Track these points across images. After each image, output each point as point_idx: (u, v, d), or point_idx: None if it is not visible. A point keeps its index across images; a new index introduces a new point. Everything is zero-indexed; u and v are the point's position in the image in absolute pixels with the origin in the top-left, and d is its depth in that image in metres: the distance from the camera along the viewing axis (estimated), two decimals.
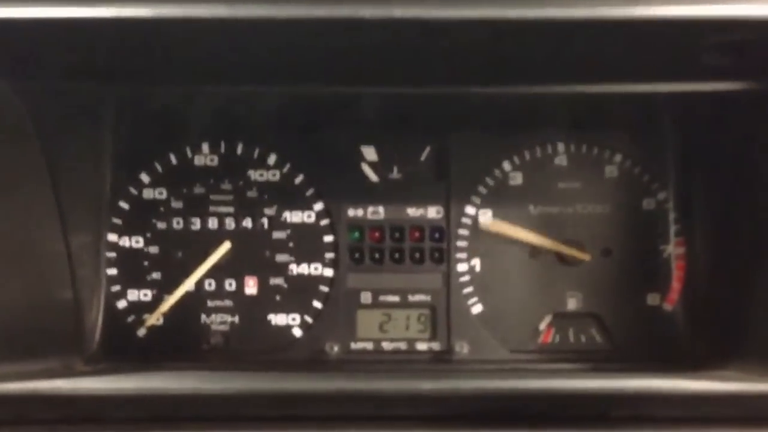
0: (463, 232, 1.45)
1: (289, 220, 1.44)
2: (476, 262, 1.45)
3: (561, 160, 1.47)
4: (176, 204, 1.44)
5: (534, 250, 1.45)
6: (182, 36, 1.06)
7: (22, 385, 1.07)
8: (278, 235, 1.44)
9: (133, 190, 1.44)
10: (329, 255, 1.44)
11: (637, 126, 1.46)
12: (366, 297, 1.44)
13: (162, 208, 1.44)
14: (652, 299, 1.45)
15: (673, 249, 1.45)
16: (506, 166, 1.46)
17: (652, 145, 1.46)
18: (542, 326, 1.44)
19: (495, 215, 1.45)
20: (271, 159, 1.45)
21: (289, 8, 0.98)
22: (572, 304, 1.44)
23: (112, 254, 1.43)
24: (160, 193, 1.44)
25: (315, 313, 1.43)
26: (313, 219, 1.45)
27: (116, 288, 1.42)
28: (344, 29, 1.03)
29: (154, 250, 1.43)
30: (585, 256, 1.44)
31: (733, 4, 0.98)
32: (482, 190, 1.46)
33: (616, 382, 1.13)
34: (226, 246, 1.42)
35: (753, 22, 0.99)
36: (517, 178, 1.47)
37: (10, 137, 1.20)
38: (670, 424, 1.08)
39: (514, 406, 1.14)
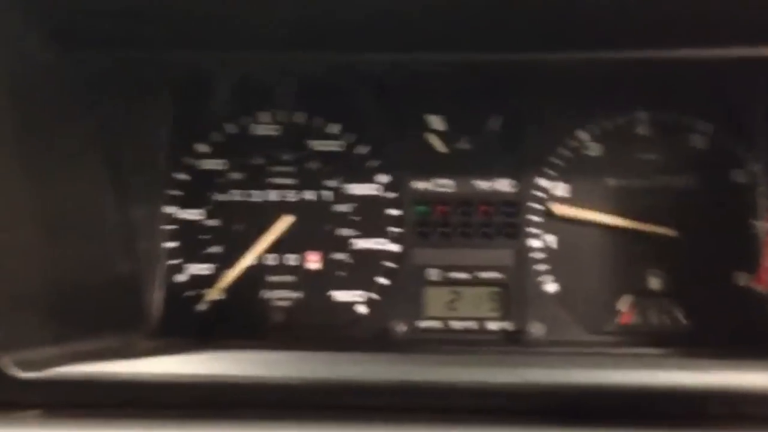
0: (536, 206, 1.37)
1: (352, 192, 1.39)
2: (551, 238, 1.37)
3: (643, 130, 1.38)
4: (235, 175, 1.39)
5: (613, 225, 1.36)
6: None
7: (84, 367, 1.03)
8: (341, 208, 1.38)
9: (191, 161, 1.39)
10: (395, 229, 1.38)
11: (727, 92, 1.37)
12: (434, 274, 1.37)
13: (221, 180, 1.39)
14: (740, 279, 1.35)
15: (764, 225, 1.35)
16: (582, 135, 1.38)
17: (742, 112, 1.37)
18: (622, 306, 1.35)
19: (570, 189, 1.37)
20: (334, 129, 1.40)
21: None
22: (654, 283, 1.35)
23: (170, 227, 1.38)
24: (219, 164, 1.39)
25: (380, 289, 1.37)
26: (377, 192, 1.39)
27: (175, 262, 1.38)
28: None
29: (213, 222, 1.38)
30: (667, 232, 1.34)
31: None
32: (556, 161, 1.38)
33: (711, 377, 1.03)
34: (288, 219, 1.37)
35: None
36: (594, 149, 1.38)
37: (70, 109, 1.16)
38: None
39: (601, 402, 1.05)
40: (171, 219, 1.38)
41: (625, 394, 1.03)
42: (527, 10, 1.09)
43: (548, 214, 1.37)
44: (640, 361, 1.22)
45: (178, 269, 1.38)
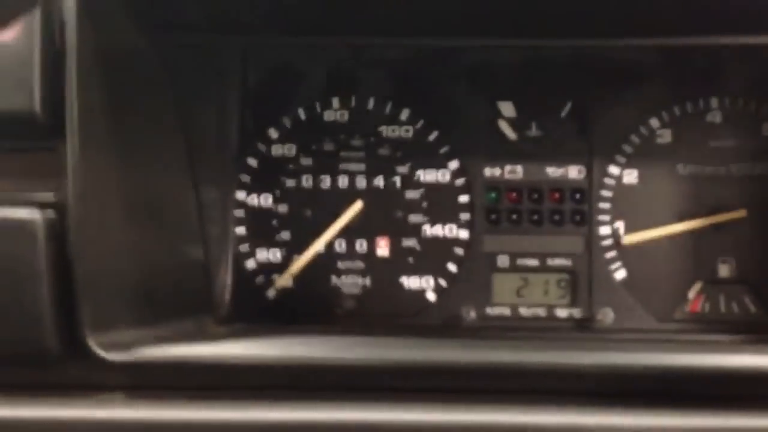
0: (606, 193, 1.37)
1: (422, 179, 1.38)
2: (620, 225, 1.36)
3: (714, 117, 1.37)
4: (305, 161, 1.39)
5: (682, 214, 1.35)
6: None
7: (166, 350, 1.04)
8: (411, 194, 1.38)
9: (262, 147, 1.39)
10: (464, 216, 1.38)
11: None
12: (503, 260, 1.37)
13: (291, 165, 1.39)
14: None
15: None
16: (653, 122, 1.37)
17: None
18: (691, 294, 1.35)
19: (641, 175, 1.36)
20: (404, 114, 1.39)
21: None
22: (724, 270, 1.35)
23: (240, 212, 1.39)
24: (289, 150, 1.39)
25: (449, 276, 1.38)
26: (447, 178, 1.38)
27: (245, 247, 1.38)
28: None
29: (283, 208, 1.38)
30: (738, 218, 1.34)
31: None
32: (627, 148, 1.37)
33: None
34: (357, 205, 1.37)
35: None
36: (665, 136, 1.37)
37: (146, 90, 1.17)
38: None
39: (671, 385, 1.06)
40: (241, 204, 1.38)
41: (696, 376, 1.04)
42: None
43: (618, 201, 1.36)
44: (711, 346, 1.22)
45: (248, 255, 1.38)
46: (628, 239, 1.36)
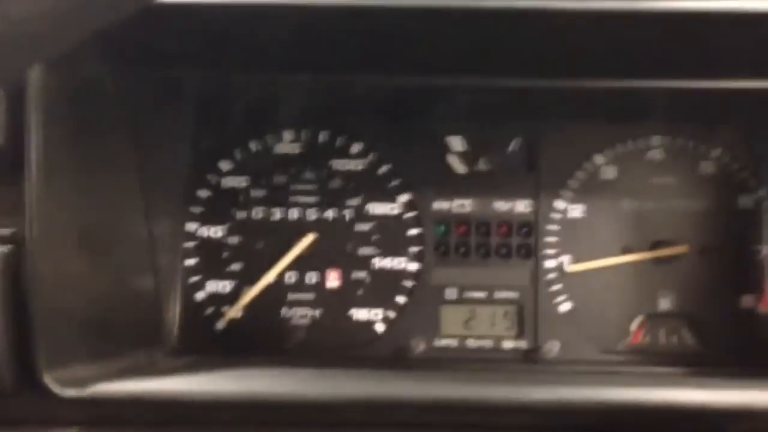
0: (552, 227, 1.40)
1: (373, 212, 1.40)
2: (565, 259, 1.40)
3: (655, 155, 1.41)
4: (257, 193, 1.40)
5: (626, 248, 1.39)
6: (275, 24, 1.02)
7: (119, 385, 1.04)
8: (362, 227, 1.40)
9: (213, 178, 1.40)
10: (414, 249, 1.40)
11: (736, 120, 1.40)
12: (451, 293, 1.40)
13: (242, 198, 1.40)
14: (747, 301, 1.39)
15: None
16: (598, 159, 1.41)
17: (751, 141, 1.40)
18: (633, 327, 1.39)
19: (586, 209, 1.40)
20: (355, 148, 1.41)
21: None
22: (664, 304, 1.39)
23: (190, 244, 1.39)
24: (241, 182, 1.40)
25: (398, 308, 1.39)
26: (397, 211, 1.40)
27: (195, 279, 1.39)
28: (459, 19, 0.99)
29: (233, 240, 1.39)
30: (677, 253, 1.38)
31: None
32: (573, 183, 1.41)
33: (711, 394, 1.07)
34: (308, 238, 1.38)
35: None
36: (609, 172, 1.41)
37: (104, 124, 1.17)
38: None
39: (615, 419, 1.08)
40: (192, 236, 1.39)
41: (637, 411, 1.07)
42: (548, 40, 1.11)
43: (564, 235, 1.40)
44: (651, 380, 1.26)
45: (198, 287, 1.39)
46: (572, 268, 1.39)
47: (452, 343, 1.39)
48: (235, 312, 1.38)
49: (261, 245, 1.38)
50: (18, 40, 0.49)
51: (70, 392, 1.01)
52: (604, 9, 0.98)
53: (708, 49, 1.15)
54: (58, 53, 0.50)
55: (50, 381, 1.00)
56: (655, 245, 1.39)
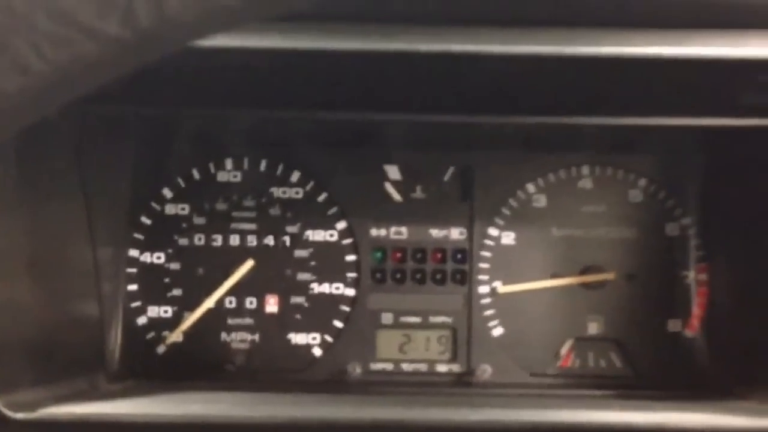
0: (485, 253, 1.45)
1: (311, 238, 1.44)
2: (498, 284, 1.44)
3: (585, 183, 1.46)
4: (198, 220, 1.43)
5: (556, 274, 1.44)
6: (223, 66, 1.05)
7: (68, 408, 1.07)
8: (300, 253, 1.43)
9: (156, 206, 1.43)
10: (351, 275, 1.44)
11: (662, 152, 1.46)
12: (387, 318, 1.44)
13: (184, 224, 1.43)
14: (673, 325, 1.44)
15: (694, 275, 1.45)
16: (530, 188, 1.46)
17: (676, 171, 1.46)
18: (562, 350, 1.43)
19: (518, 237, 1.45)
20: (295, 176, 1.45)
21: (338, 42, 0.98)
22: (593, 328, 1.44)
23: (132, 270, 1.42)
24: (183, 209, 1.43)
25: (335, 332, 1.43)
26: (335, 238, 1.44)
27: (136, 304, 1.42)
28: (395, 61, 1.03)
29: (175, 266, 1.42)
30: (606, 279, 1.43)
31: None
32: (505, 211, 1.45)
33: (643, 416, 1.12)
34: (248, 264, 1.41)
35: None
36: (540, 201, 1.46)
37: (52, 155, 1.20)
38: None
39: None
40: (135, 262, 1.42)
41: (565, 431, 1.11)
42: (479, 80, 1.16)
43: (496, 262, 1.44)
44: (579, 402, 1.31)
45: (140, 312, 1.42)
46: (503, 289, 1.43)
47: (388, 366, 1.43)
48: (175, 336, 1.41)
49: (201, 271, 1.42)
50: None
51: (20, 415, 1.03)
52: (531, 53, 1.01)
53: (630, 90, 1.20)
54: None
55: (2, 405, 1.02)
56: (584, 271, 1.44)
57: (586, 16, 1.00)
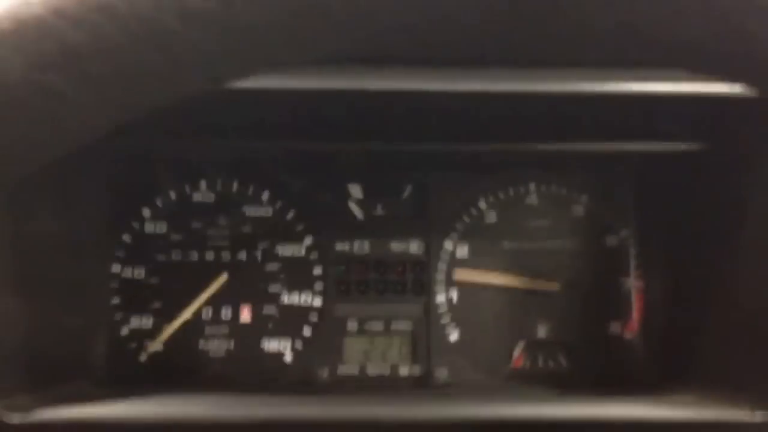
0: (442, 265, 1.57)
1: (281, 253, 1.54)
2: (453, 294, 1.56)
3: (532, 200, 1.59)
4: (176, 237, 1.53)
5: (507, 283, 1.56)
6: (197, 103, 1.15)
7: (58, 412, 1.16)
8: (271, 267, 1.54)
9: (135, 224, 1.53)
10: (318, 286, 1.55)
11: (600, 171, 1.59)
12: (352, 325, 1.55)
13: (162, 241, 1.53)
14: (614, 328, 1.57)
15: (633, 282, 1.57)
16: (482, 204, 1.58)
17: (614, 188, 1.59)
18: (514, 352, 1.56)
19: (471, 250, 1.57)
20: (265, 196, 1.55)
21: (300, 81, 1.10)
22: (542, 332, 1.56)
23: (115, 284, 1.52)
24: (161, 227, 1.53)
25: (305, 340, 1.54)
26: (303, 253, 1.55)
27: (119, 316, 1.51)
28: (344, 98, 1.15)
29: (154, 280, 1.52)
30: (552, 287, 1.56)
31: (686, 82, 1.12)
32: (460, 226, 1.57)
33: (582, 410, 1.24)
34: (223, 277, 1.52)
35: (702, 97, 1.14)
36: (491, 216, 1.58)
37: (35, 178, 1.28)
38: None
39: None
40: (116, 277, 1.52)
41: (513, 425, 1.23)
42: (433, 114, 1.28)
43: (451, 275, 1.56)
44: (528, 398, 1.42)
45: (122, 323, 1.51)
46: (459, 276, 1.56)
47: (354, 370, 1.54)
48: (156, 346, 1.50)
49: (179, 284, 1.52)
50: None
51: (16, 418, 1.12)
52: (475, 91, 1.14)
53: (564, 120, 1.33)
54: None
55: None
56: (532, 281, 1.56)
57: (525, 56, 1.13)
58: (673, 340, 1.49)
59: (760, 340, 1.22)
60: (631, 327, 1.57)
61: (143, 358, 1.51)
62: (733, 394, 1.21)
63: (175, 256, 1.53)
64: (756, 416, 1.15)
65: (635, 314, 1.57)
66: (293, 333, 1.54)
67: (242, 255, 1.54)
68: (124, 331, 1.52)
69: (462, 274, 1.56)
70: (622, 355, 1.57)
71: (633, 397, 1.31)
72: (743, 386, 1.21)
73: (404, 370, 1.55)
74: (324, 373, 1.52)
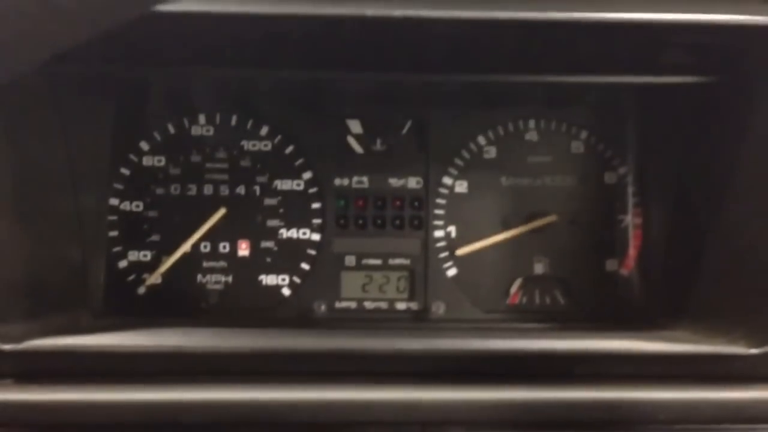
0: (440, 201, 1.57)
1: (279, 187, 1.55)
2: (452, 229, 1.57)
3: (532, 136, 1.58)
4: (174, 171, 1.53)
5: (505, 219, 1.56)
6: (194, 29, 1.14)
7: (38, 342, 1.16)
8: (269, 201, 1.54)
9: (134, 158, 1.53)
10: (317, 221, 1.55)
11: (601, 106, 1.58)
12: (350, 260, 1.55)
13: (161, 175, 1.53)
14: (611, 265, 1.58)
15: (631, 219, 1.58)
16: (481, 140, 1.58)
17: (614, 124, 1.58)
18: (511, 288, 1.56)
19: (470, 185, 1.57)
20: (264, 130, 1.55)
21: (297, 6, 1.08)
22: (539, 268, 1.57)
23: (113, 217, 1.52)
24: (159, 161, 1.53)
25: (303, 274, 1.55)
26: (302, 187, 1.55)
27: (118, 249, 1.52)
28: (343, 25, 1.13)
29: (153, 213, 1.52)
30: (551, 224, 1.56)
31: (693, 11, 1.11)
32: (459, 162, 1.57)
33: (577, 343, 1.25)
34: (221, 211, 1.52)
35: (709, 26, 1.12)
36: (491, 152, 1.58)
37: (32, 111, 1.29)
38: (626, 381, 1.19)
39: (486, 365, 1.24)
40: (115, 210, 1.52)
41: (510, 357, 1.24)
42: (429, 42, 1.26)
43: (451, 208, 1.57)
44: (522, 332, 1.44)
45: (121, 256, 1.52)
46: (461, 252, 1.56)
47: (351, 305, 1.55)
48: (154, 278, 1.51)
49: (178, 218, 1.52)
50: (23, 38, 0.54)
51: (8, 347, 1.13)
52: (477, 18, 1.11)
53: (569, 51, 1.31)
54: (60, 51, 0.56)
55: None
56: (530, 217, 1.56)
57: None
58: (669, 277, 1.50)
59: (754, 277, 1.23)
60: (627, 264, 1.58)
61: (141, 290, 1.53)
62: (728, 328, 1.22)
63: (174, 189, 1.53)
64: (750, 350, 1.16)
65: (632, 251, 1.58)
66: (291, 267, 1.55)
67: (241, 189, 1.54)
68: (123, 264, 1.53)
69: (464, 251, 1.56)
70: (618, 291, 1.58)
71: (628, 332, 1.33)
72: (738, 321, 1.22)
73: (401, 305, 1.56)
74: (322, 307, 1.53)
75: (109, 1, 0.51)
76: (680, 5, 1.11)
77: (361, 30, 1.16)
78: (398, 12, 1.09)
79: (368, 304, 1.55)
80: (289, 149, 1.55)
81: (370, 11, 1.09)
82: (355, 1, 1.09)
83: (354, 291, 1.55)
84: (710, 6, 1.09)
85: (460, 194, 1.57)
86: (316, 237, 1.55)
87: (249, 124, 1.55)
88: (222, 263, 1.53)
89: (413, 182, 1.57)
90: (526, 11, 1.11)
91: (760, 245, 1.21)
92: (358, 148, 1.57)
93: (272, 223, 1.54)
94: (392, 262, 1.56)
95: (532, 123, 1.58)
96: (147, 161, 1.53)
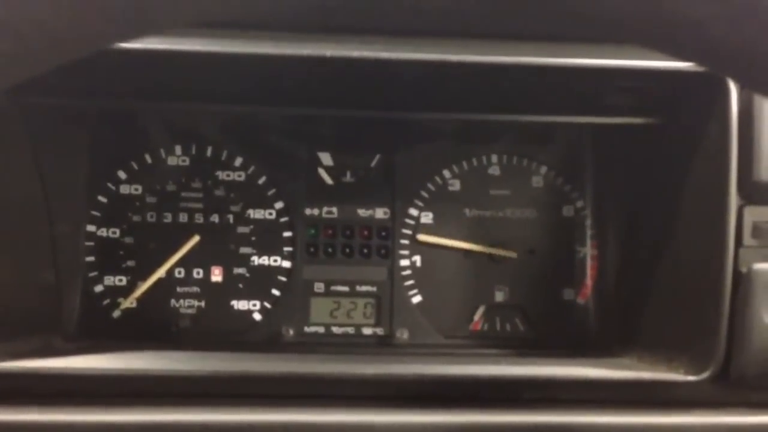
0: (406, 231, 1.63)
1: (252, 216, 1.60)
2: (417, 258, 1.63)
3: (494, 170, 1.65)
4: (150, 199, 1.58)
5: (468, 249, 1.63)
6: (171, 67, 1.21)
7: (8, 364, 1.20)
8: (242, 229, 1.60)
9: (111, 186, 1.58)
10: (287, 249, 1.61)
11: (559, 144, 1.66)
12: (319, 287, 1.61)
13: (137, 203, 1.58)
14: (568, 294, 1.65)
15: (588, 250, 1.65)
16: (446, 173, 1.64)
17: (572, 160, 1.66)
18: (473, 315, 1.63)
19: (434, 217, 1.64)
20: (238, 161, 1.61)
21: (263, 46, 1.15)
22: (500, 296, 1.64)
23: (90, 243, 1.57)
24: (136, 189, 1.58)
25: (273, 299, 1.60)
26: (273, 216, 1.61)
27: (94, 274, 1.56)
28: (309, 65, 1.20)
29: (129, 240, 1.57)
30: (511, 254, 1.63)
31: (632, 59, 1.20)
32: (424, 194, 1.64)
33: (528, 369, 1.31)
34: (195, 239, 1.57)
35: (648, 72, 1.21)
36: (455, 185, 1.65)
37: (4, 141, 1.34)
38: (573, 405, 1.25)
39: (444, 389, 1.30)
40: (92, 236, 1.57)
41: (466, 382, 1.30)
42: (396, 83, 1.34)
43: (415, 240, 1.63)
44: (483, 359, 1.50)
45: (96, 280, 1.56)
46: (423, 238, 1.62)
47: (320, 329, 1.61)
48: (129, 302, 1.56)
49: (153, 245, 1.57)
50: None
51: None
52: (437, 60, 1.19)
53: (522, 92, 1.40)
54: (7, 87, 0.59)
55: None
56: (492, 247, 1.63)
57: (485, 29, 1.19)
58: (621, 306, 1.57)
59: (693, 309, 1.30)
60: (584, 293, 1.65)
61: (116, 314, 1.57)
62: (670, 356, 1.30)
63: (150, 217, 1.58)
64: (688, 377, 1.23)
65: (588, 281, 1.65)
66: (262, 293, 1.60)
67: (215, 217, 1.60)
68: (98, 288, 1.57)
69: (425, 238, 1.62)
70: (575, 319, 1.65)
71: (580, 359, 1.39)
72: (679, 350, 1.29)
73: (368, 331, 1.62)
74: (291, 332, 1.59)
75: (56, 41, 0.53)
76: (619, 52, 1.20)
77: (324, 70, 1.23)
78: (356, 53, 1.16)
79: (336, 329, 1.61)
80: (262, 180, 1.61)
81: (330, 52, 1.16)
82: (316, 42, 1.16)
83: (322, 316, 1.61)
84: (646, 53, 1.17)
85: (425, 224, 1.64)
86: (286, 264, 1.61)
87: (224, 155, 1.61)
88: (195, 288, 1.58)
89: (380, 213, 1.63)
90: (474, 54, 1.19)
91: (700, 279, 1.28)
92: (328, 179, 1.63)
93: (245, 250, 1.60)
94: (359, 289, 1.62)
95: (494, 158, 1.65)
96: (124, 189, 1.58)
